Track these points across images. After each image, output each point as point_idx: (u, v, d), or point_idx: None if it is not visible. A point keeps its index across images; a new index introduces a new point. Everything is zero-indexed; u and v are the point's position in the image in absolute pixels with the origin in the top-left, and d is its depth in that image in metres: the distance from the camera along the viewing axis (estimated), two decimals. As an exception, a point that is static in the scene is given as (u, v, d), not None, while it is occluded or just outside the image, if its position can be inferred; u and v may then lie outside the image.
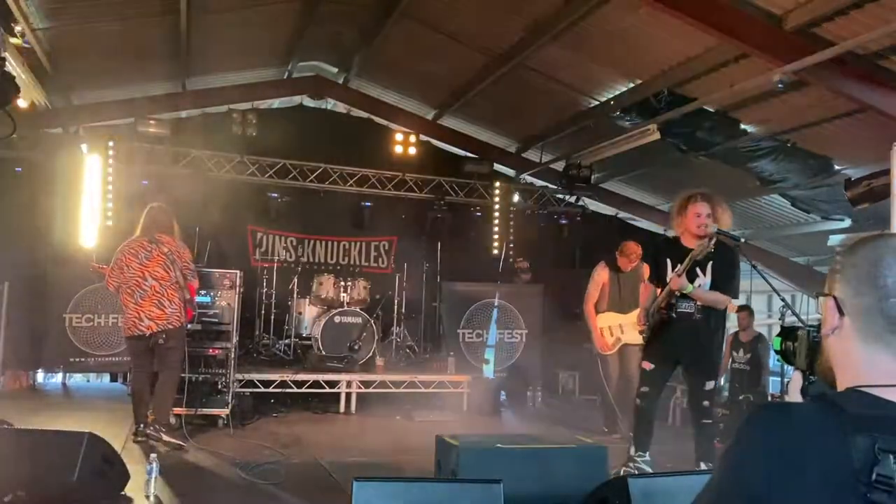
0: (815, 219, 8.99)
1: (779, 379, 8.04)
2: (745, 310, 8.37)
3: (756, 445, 1.10)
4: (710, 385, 5.20)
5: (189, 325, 6.19)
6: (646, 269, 6.82)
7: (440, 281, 9.91)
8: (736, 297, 5.31)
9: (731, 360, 8.39)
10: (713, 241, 4.96)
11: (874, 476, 1.02)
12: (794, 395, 1.39)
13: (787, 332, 1.46)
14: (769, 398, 7.49)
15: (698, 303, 5.10)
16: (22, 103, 6.94)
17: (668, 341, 5.21)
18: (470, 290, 9.67)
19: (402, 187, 10.47)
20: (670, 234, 10.96)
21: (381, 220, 10.60)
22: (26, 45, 6.39)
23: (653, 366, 5.30)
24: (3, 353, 7.55)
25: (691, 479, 3.45)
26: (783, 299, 5.15)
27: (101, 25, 7.11)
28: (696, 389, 5.25)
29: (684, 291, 5.05)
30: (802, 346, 1.37)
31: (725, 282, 5.11)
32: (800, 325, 1.48)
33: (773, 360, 8.09)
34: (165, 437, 5.68)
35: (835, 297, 1.20)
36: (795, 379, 1.40)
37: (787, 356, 1.45)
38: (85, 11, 6.75)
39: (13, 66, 6.01)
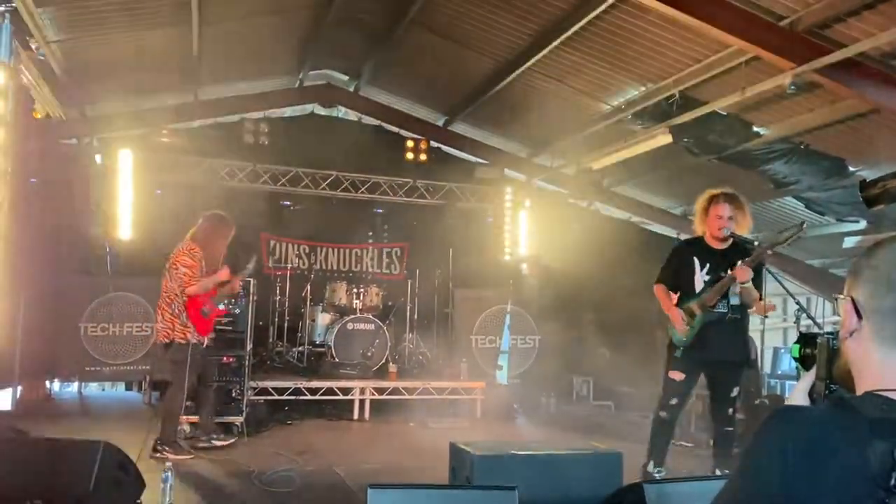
0: (829, 221, 8.92)
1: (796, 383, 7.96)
2: None
3: (774, 448, 1.09)
4: (735, 391, 5.07)
5: (198, 340, 5.96)
6: None
7: (452, 287, 9.91)
8: (761, 298, 5.23)
9: None
10: (800, 230, 4.76)
11: (892, 481, 1.00)
12: (799, 396, 1.37)
13: (807, 339, 1.43)
14: (786, 402, 7.42)
15: (732, 302, 4.96)
16: (37, 115, 7.02)
17: (700, 347, 4.99)
18: (482, 296, 9.67)
19: (413, 194, 10.49)
20: (684, 237, 10.94)
21: (392, 226, 10.62)
22: (41, 58, 6.45)
23: (684, 376, 5.04)
24: (19, 363, 7.60)
25: (707, 484, 3.42)
26: (798, 302, 5.11)
27: (113, 37, 7.17)
28: (723, 396, 5.08)
29: (744, 284, 4.87)
30: (822, 353, 1.35)
31: (756, 282, 4.99)
32: (818, 332, 1.46)
33: (788, 364, 8.00)
34: (171, 457, 5.53)
35: (853, 300, 1.18)
36: (805, 380, 1.38)
37: (805, 363, 1.43)
38: (98, 23, 6.82)
39: (28, 78, 6.08)
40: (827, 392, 1.33)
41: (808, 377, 1.38)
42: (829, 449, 1.05)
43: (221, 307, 6.16)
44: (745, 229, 5.08)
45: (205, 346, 6.04)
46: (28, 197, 8.45)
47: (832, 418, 1.10)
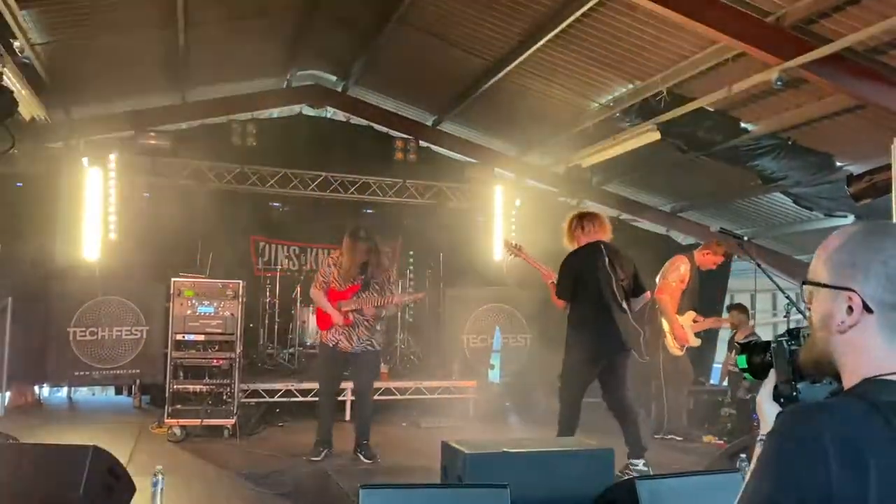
0: (817, 216, 8.97)
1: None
2: (736, 308, 8.29)
3: (808, 446, 1.05)
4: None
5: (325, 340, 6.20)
6: None
7: (443, 286, 9.90)
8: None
9: (725, 362, 8.37)
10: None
11: None
12: (767, 405, 1.36)
13: (752, 349, 1.43)
14: (757, 409, 7.44)
15: None
16: (22, 118, 6.96)
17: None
18: (473, 295, 9.65)
19: (403, 194, 10.47)
20: (673, 234, 10.95)
21: (383, 227, 10.60)
22: (25, 61, 6.40)
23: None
24: (7, 368, 7.54)
25: (699, 479, 3.43)
26: (788, 297, 5.14)
27: (99, 39, 7.13)
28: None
29: None
30: (780, 356, 1.35)
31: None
32: (759, 339, 1.46)
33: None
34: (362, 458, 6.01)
35: (858, 294, 1.16)
36: (767, 386, 1.37)
37: (755, 372, 1.42)
38: (83, 25, 6.77)
39: (12, 82, 6.03)
40: (794, 393, 1.32)
41: (770, 382, 1.37)
42: (865, 444, 1.03)
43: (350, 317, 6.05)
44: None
45: (334, 346, 6.05)
46: (15, 201, 8.41)
47: (853, 409, 1.08)
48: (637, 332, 5.63)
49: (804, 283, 1.25)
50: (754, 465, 1.14)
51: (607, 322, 5.39)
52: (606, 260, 5.51)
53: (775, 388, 1.36)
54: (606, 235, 5.70)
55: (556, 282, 5.59)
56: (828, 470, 1.02)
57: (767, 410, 1.34)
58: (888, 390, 1.08)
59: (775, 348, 1.36)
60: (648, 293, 5.92)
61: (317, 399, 7.85)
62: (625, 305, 5.50)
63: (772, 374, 1.38)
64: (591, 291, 5.45)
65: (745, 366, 1.43)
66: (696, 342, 7.09)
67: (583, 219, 5.72)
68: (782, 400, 1.34)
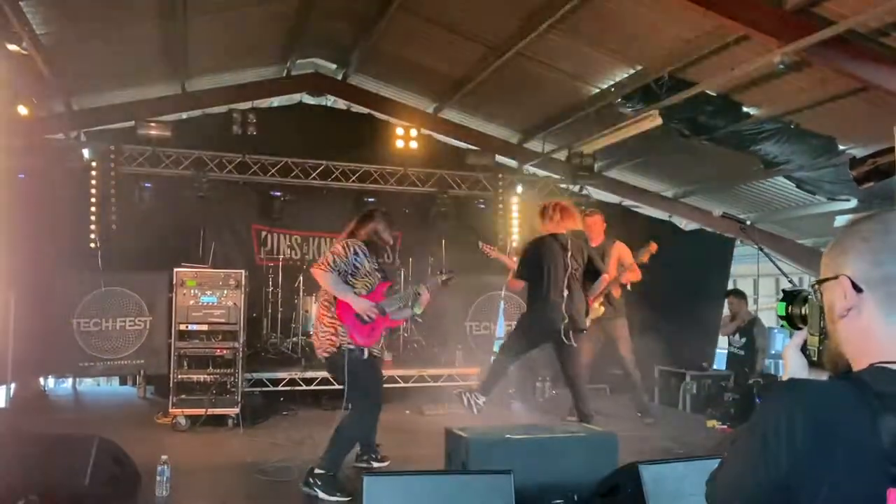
0: (820, 200, 8.95)
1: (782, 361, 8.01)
2: (734, 294, 8.41)
3: (779, 424, 1.06)
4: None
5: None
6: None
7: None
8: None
9: (728, 345, 8.41)
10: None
11: None
12: (792, 353, 1.35)
13: (792, 297, 1.41)
14: (783, 357, 7.47)
15: None
16: (22, 110, 6.95)
17: None
18: (475, 283, 9.65)
19: (404, 182, 10.44)
20: (676, 220, 10.92)
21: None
22: (25, 52, 6.38)
23: None
24: (12, 359, 7.56)
25: (701, 463, 3.43)
26: (791, 281, 5.15)
27: (99, 29, 7.10)
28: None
29: None
30: (814, 310, 1.34)
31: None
32: (803, 288, 1.44)
33: (781, 344, 8.07)
34: (321, 495, 4.59)
35: (847, 276, 1.15)
36: (798, 337, 1.36)
37: (792, 321, 1.41)
38: (83, 16, 6.75)
39: (12, 73, 6.02)
40: (821, 348, 1.31)
41: (801, 334, 1.36)
42: (838, 424, 1.03)
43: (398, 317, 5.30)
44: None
45: (366, 356, 5.08)
46: (16, 193, 8.40)
47: (839, 393, 1.07)
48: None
49: (814, 284, 1.26)
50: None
51: (555, 305, 5.81)
52: (562, 250, 5.91)
53: (805, 340, 1.35)
54: (575, 225, 6.15)
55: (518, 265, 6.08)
56: (793, 448, 1.02)
57: (791, 359, 1.34)
58: (889, 379, 1.06)
59: (811, 300, 1.35)
60: (605, 276, 6.48)
61: (320, 388, 7.95)
62: (566, 292, 5.88)
63: (805, 327, 1.37)
64: (545, 277, 5.88)
65: (784, 314, 1.42)
66: (595, 311, 6.94)
67: (556, 208, 6.06)
68: (809, 352, 1.34)
